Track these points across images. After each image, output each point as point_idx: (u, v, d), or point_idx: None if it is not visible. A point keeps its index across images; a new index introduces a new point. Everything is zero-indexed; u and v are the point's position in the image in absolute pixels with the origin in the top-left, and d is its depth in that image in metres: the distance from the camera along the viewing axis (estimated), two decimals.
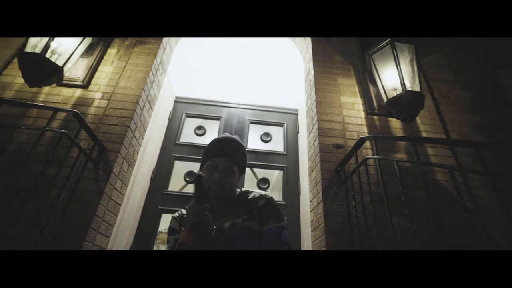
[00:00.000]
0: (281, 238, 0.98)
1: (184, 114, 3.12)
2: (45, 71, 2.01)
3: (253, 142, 3.04)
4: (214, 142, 1.14)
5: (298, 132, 3.14)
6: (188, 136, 3.00)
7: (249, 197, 1.09)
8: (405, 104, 2.15)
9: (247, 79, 3.41)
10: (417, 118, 2.45)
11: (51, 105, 2.08)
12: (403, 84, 2.18)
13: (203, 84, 3.40)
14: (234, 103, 3.29)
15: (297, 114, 3.33)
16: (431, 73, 2.83)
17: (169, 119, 3.05)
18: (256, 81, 3.41)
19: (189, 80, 3.37)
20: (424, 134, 2.37)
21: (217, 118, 3.15)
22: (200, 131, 3.05)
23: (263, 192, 1.11)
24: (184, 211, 1.16)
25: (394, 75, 2.29)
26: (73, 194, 1.61)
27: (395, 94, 2.21)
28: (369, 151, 2.21)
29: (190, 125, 3.08)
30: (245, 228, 0.99)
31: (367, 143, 2.23)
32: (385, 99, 2.32)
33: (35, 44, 2.07)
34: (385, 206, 1.38)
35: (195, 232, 0.87)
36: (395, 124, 2.41)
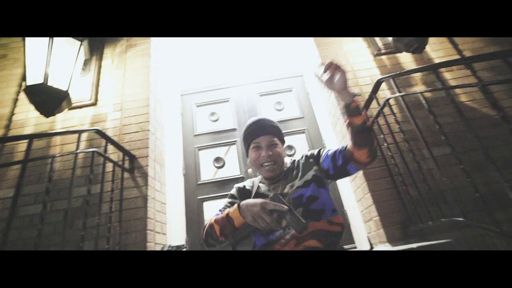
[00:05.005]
0: (334, 150, 1.12)
1: (194, 105, 3.13)
2: (54, 99, 2.03)
3: (268, 114, 3.04)
4: (247, 127, 1.25)
5: (308, 93, 3.11)
6: (203, 124, 3.02)
7: (295, 162, 1.24)
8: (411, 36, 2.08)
9: (246, 55, 3.36)
10: (427, 46, 2.38)
11: (70, 129, 2.14)
12: None
13: (205, 72, 3.37)
14: (239, 83, 3.27)
15: (302, 76, 3.28)
16: None
17: (181, 114, 3.06)
18: (255, 55, 3.36)
19: (189, 71, 3.34)
20: (437, 60, 2.31)
21: (226, 100, 3.15)
22: (213, 117, 3.06)
23: (299, 156, 1.26)
24: (245, 184, 1.27)
25: None
26: (121, 204, 1.69)
27: None
28: (386, 92, 2.18)
29: (202, 114, 3.09)
30: (303, 183, 1.10)
31: (383, 84, 2.20)
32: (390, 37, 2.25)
33: (34, 76, 2.07)
34: (420, 138, 1.40)
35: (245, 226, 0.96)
36: (405, 59, 2.36)
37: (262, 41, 3.29)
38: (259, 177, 1.28)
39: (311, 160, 1.18)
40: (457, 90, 2.11)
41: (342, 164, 1.06)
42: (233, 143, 2.90)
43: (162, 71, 2.75)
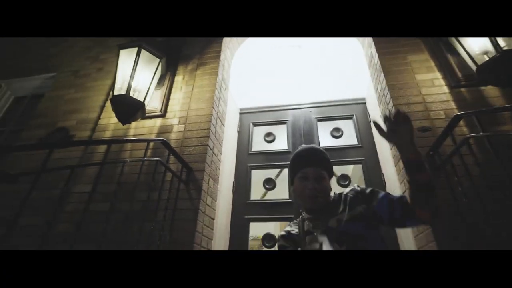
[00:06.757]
0: (391, 197, 1.02)
1: (251, 124, 3.22)
2: (132, 109, 2.29)
3: (324, 140, 2.96)
4: (297, 155, 1.23)
5: (369, 122, 2.95)
6: (258, 144, 3.08)
7: (343, 195, 1.17)
8: (504, 67, 1.83)
9: (305, 77, 3.36)
10: None
11: (141, 137, 2.36)
12: (496, 45, 1.87)
13: (264, 92, 3.46)
14: (297, 104, 3.27)
15: (365, 103, 3.13)
16: None
17: (238, 131, 3.18)
18: (314, 77, 3.34)
19: (250, 90, 3.47)
20: None
21: (284, 122, 3.17)
22: (269, 137, 3.10)
23: (349, 188, 1.19)
24: (289, 230, 1.23)
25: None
26: (174, 214, 1.78)
27: (487, 58, 1.91)
28: (464, 129, 1.94)
29: (258, 133, 3.16)
30: (350, 218, 1.04)
31: (461, 121, 1.96)
32: (473, 67, 2.02)
33: (120, 87, 2.37)
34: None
35: None
36: (491, 93, 2.08)
37: (325, 64, 3.26)
38: (301, 217, 1.25)
39: (360, 196, 1.10)
40: None
41: (400, 217, 0.95)
42: (286, 166, 2.88)
43: (225, 88, 2.90)
